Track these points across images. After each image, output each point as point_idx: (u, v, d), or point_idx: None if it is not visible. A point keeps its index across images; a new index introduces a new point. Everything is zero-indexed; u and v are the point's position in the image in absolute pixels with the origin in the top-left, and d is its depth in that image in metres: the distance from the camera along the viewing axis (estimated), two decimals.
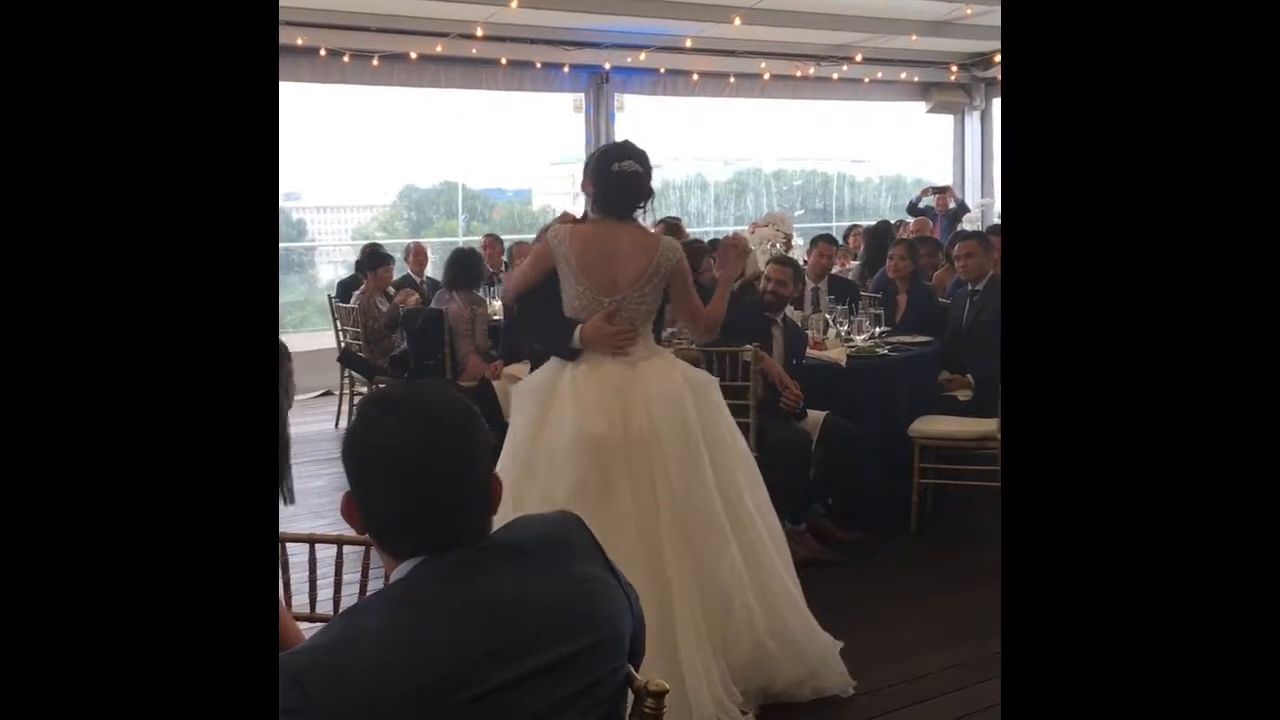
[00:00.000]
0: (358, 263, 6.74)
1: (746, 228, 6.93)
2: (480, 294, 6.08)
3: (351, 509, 1.25)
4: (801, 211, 11.88)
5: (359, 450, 1.22)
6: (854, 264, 7.23)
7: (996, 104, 10.72)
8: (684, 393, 2.87)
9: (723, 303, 3.10)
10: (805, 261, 5.63)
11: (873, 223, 8.06)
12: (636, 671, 1.35)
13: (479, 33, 7.38)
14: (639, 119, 9.34)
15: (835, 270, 6.52)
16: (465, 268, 5.88)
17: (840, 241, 7.77)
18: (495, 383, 5.51)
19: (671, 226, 6.25)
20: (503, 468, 2.76)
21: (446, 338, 5.70)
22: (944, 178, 11.45)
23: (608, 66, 8.85)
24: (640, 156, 2.92)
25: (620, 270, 2.88)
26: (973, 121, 10.87)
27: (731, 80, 9.32)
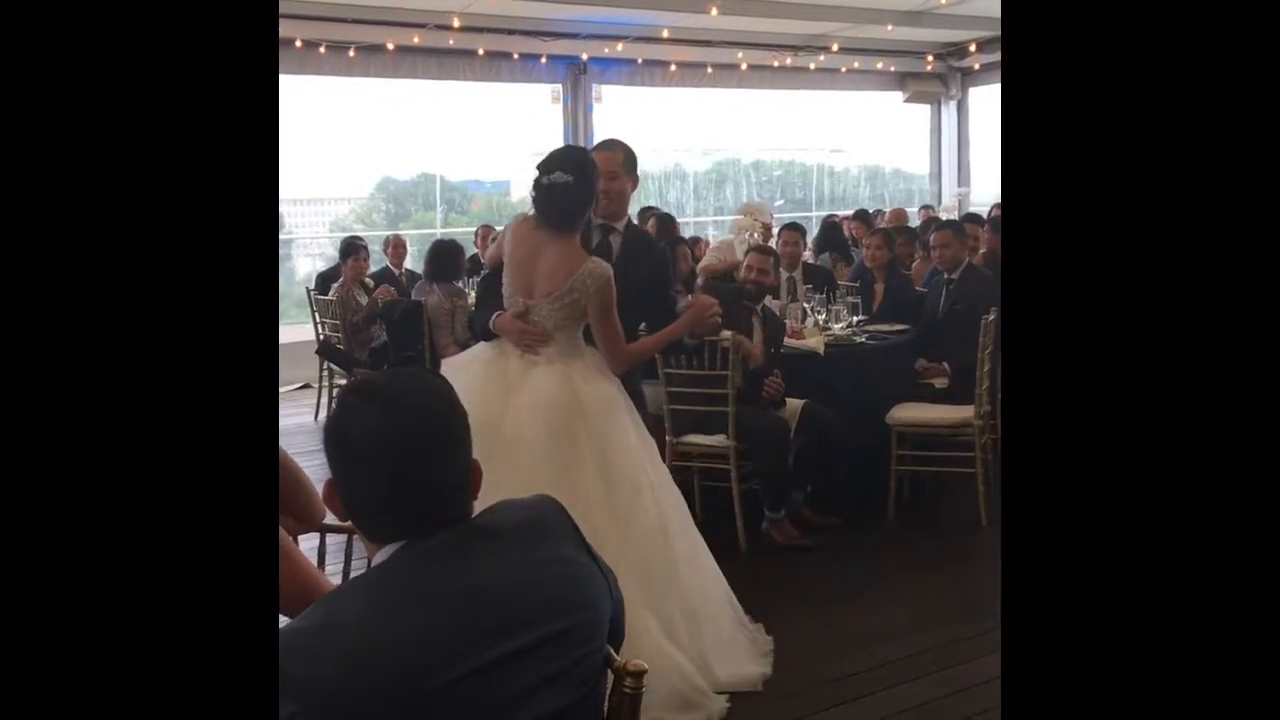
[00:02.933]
0: (341, 251, 6.75)
1: (730, 223, 6.97)
2: (461, 285, 6.08)
3: (333, 496, 1.27)
4: (781, 201, 11.91)
5: (340, 436, 1.24)
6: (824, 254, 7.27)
7: (972, 94, 10.78)
8: (565, 406, 2.84)
9: (648, 349, 3.06)
10: None
11: (849, 212, 8.13)
12: (616, 653, 1.38)
13: (456, 24, 7.36)
14: (617, 109, 9.35)
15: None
16: (446, 259, 5.88)
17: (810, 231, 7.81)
18: None
19: (664, 219, 6.31)
20: None
21: (425, 329, 5.70)
22: (921, 167, 11.51)
23: (585, 57, 8.84)
24: (573, 164, 2.86)
25: (538, 279, 2.90)
26: (949, 111, 10.93)
27: (709, 70, 9.33)
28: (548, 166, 2.86)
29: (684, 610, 2.90)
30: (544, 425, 2.82)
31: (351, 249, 6.37)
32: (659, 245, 3.43)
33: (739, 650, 3.05)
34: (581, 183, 2.86)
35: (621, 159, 3.11)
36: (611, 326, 2.92)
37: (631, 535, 2.84)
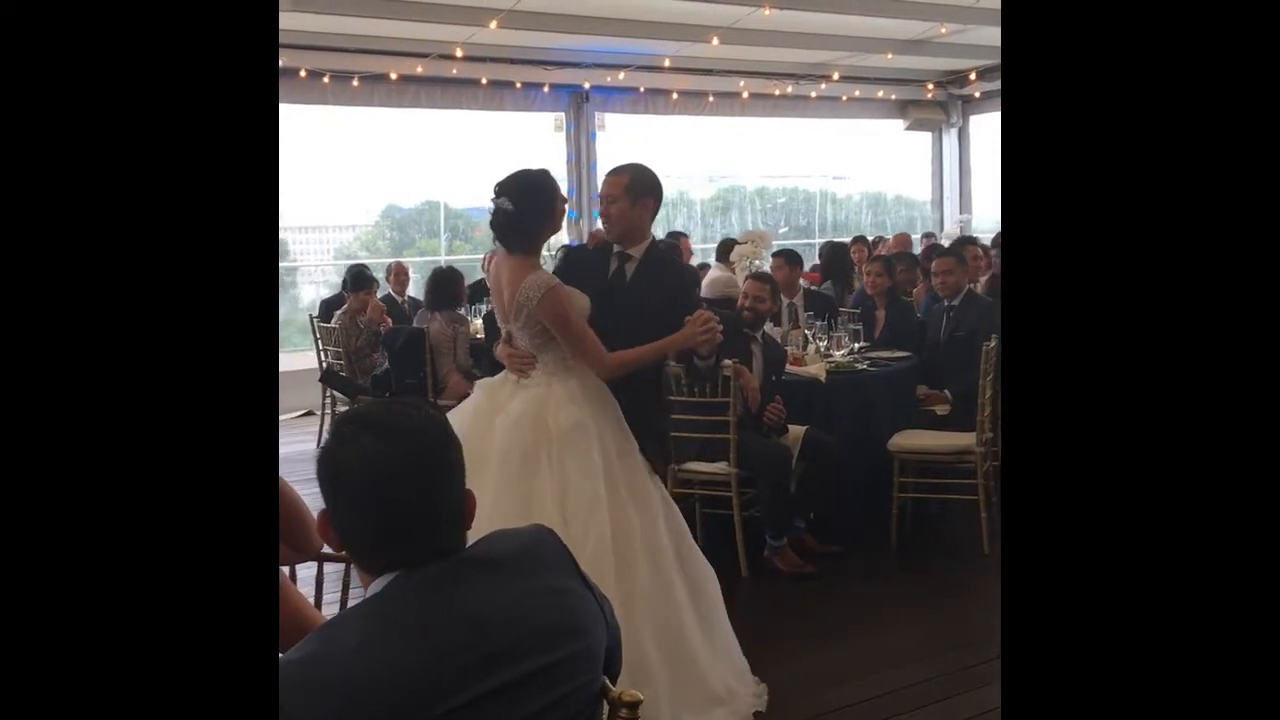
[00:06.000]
0: (343, 281, 6.76)
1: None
2: (462, 313, 6.10)
3: (327, 526, 1.27)
4: (786, 229, 11.95)
5: (334, 467, 1.24)
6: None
7: (973, 121, 10.83)
8: (531, 431, 2.84)
9: (637, 358, 2.91)
10: None
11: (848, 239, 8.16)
12: (613, 683, 1.37)
13: (459, 53, 7.42)
14: (620, 137, 9.41)
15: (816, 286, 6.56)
16: (446, 287, 5.90)
17: (812, 258, 7.84)
18: None
19: (670, 243, 6.33)
20: None
21: (428, 356, 5.71)
22: (923, 194, 11.56)
23: (587, 86, 8.91)
24: (515, 189, 2.86)
25: (503, 301, 2.93)
26: (950, 138, 10.98)
27: (710, 99, 9.39)
28: (496, 190, 2.89)
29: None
30: (510, 449, 2.83)
31: (361, 281, 6.37)
32: (683, 268, 3.22)
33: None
34: (521, 208, 2.85)
35: (625, 182, 3.05)
36: (574, 336, 2.86)
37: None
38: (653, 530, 2.91)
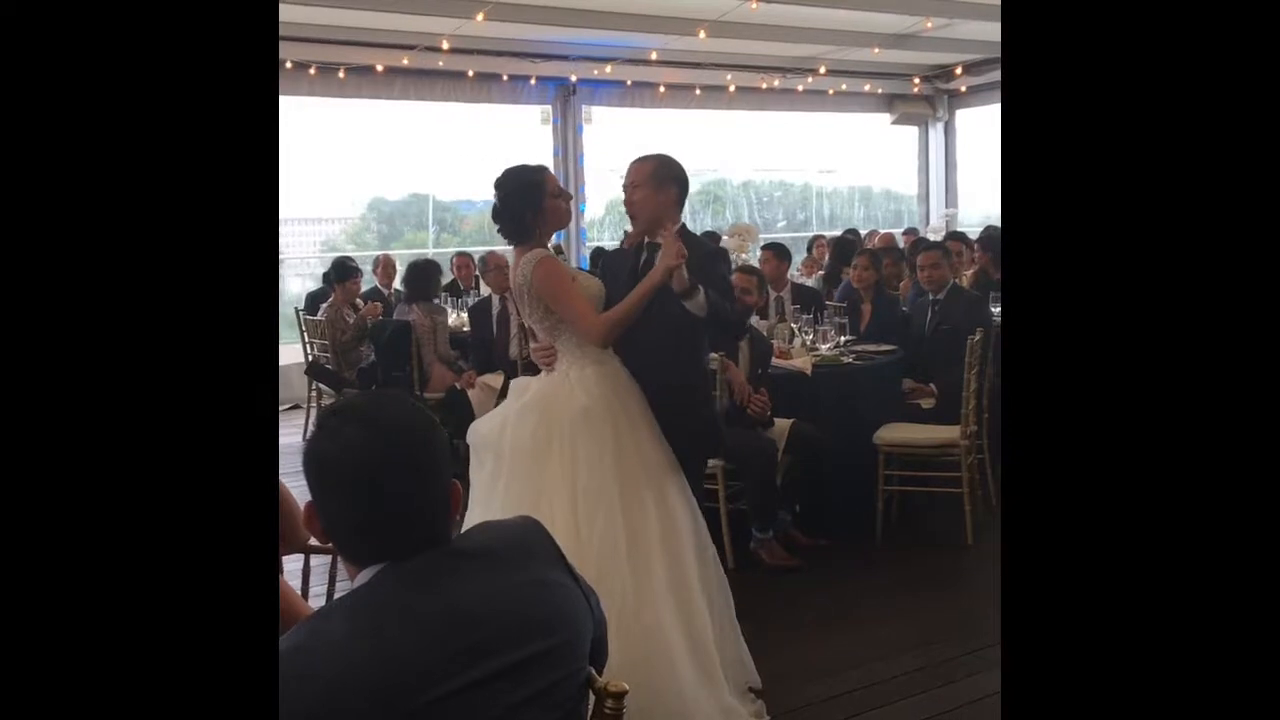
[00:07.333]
0: (325, 275, 6.75)
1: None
2: (440, 303, 6.10)
3: (313, 518, 1.27)
4: (784, 223, 11.97)
5: (319, 459, 1.24)
6: (818, 273, 7.33)
7: (959, 116, 10.86)
8: (540, 420, 2.86)
9: (626, 310, 2.86)
10: None
11: (837, 233, 8.17)
12: (599, 673, 1.38)
13: (445, 45, 7.39)
14: (606, 131, 9.40)
15: (808, 280, 6.58)
16: (423, 279, 5.90)
17: (804, 251, 7.85)
18: (470, 391, 5.53)
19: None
20: None
21: (413, 349, 5.71)
22: (910, 188, 11.59)
23: (574, 79, 8.90)
24: (502, 184, 2.94)
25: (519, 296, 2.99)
26: (936, 133, 11.01)
27: (697, 92, 9.39)
28: (494, 186, 2.96)
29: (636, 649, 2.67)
30: (521, 438, 2.86)
31: (345, 272, 6.37)
32: (707, 245, 3.19)
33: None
34: (505, 201, 2.92)
35: (650, 169, 3.05)
36: (570, 306, 2.88)
37: (589, 555, 2.73)
38: (670, 523, 2.89)
